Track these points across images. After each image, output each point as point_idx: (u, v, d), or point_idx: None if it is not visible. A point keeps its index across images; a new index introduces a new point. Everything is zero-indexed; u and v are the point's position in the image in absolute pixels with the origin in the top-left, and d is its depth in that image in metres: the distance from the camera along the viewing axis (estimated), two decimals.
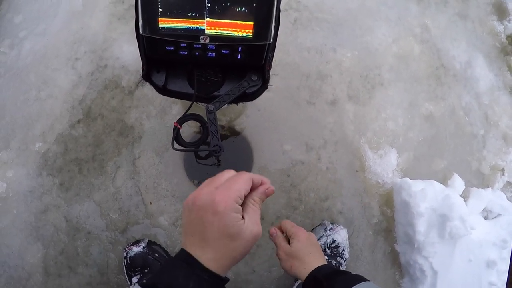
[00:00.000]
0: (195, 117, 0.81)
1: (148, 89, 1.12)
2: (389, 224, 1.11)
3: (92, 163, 1.09)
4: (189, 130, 1.09)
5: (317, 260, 0.67)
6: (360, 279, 0.61)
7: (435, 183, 1.11)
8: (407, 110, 1.16)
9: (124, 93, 1.13)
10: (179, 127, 0.77)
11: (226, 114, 1.06)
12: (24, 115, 1.13)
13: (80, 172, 1.08)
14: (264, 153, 1.07)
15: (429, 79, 1.19)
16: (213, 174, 1.08)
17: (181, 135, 0.79)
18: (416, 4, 1.23)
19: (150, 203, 1.07)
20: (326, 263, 0.68)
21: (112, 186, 1.07)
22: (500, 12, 1.36)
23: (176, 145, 0.76)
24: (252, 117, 1.08)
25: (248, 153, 1.07)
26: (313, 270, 0.64)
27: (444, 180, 1.16)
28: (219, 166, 1.03)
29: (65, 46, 1.19)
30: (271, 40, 0.64)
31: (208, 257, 0.43)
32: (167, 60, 0.72)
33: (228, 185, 0.45)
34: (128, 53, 1.16)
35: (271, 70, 0.74)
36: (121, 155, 1.09)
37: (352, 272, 0.66)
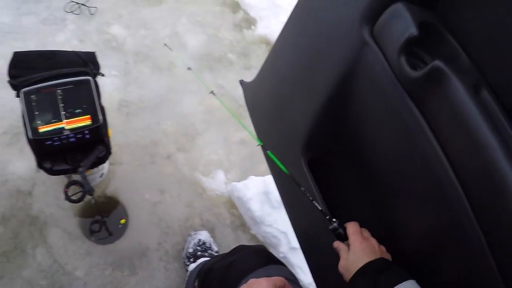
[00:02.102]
0: (75, 182, 1.30)
1: (42, 186, 1.59)
2: (240, 220, 1.66)
3: (16, 251, 1.52)
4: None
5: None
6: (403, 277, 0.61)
7: (253, 177, 1.62)
8: (224, 143, 1.74)
9: (25, 195, 1.58)
10: (66, 190, 1.25)
11: (100, 186, 1.57)
12: None
13: (8, 261, 1.51)
14: (132, 204, 1.59)
15: (233, 118, 1.79)
16: (102, 235, 1.57)
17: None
18: (209, 73, 1.84)
19: (66, 264, 1.53)
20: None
21: (35, 262, 1.51)
22: None
23: (67, 199, 1.23)
24: (117, 185, 1.59)
25: (123, 210, 1.58)
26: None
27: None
28: (110, 235, 1.51)
29: None
30: (102, 122, 1.16)
31: None
32: (49, 151, 1.13)
33: None
34: (21, 167, 1.61)
35: (110, 140, 1.25)
36: (35, 238, 1.53)
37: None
